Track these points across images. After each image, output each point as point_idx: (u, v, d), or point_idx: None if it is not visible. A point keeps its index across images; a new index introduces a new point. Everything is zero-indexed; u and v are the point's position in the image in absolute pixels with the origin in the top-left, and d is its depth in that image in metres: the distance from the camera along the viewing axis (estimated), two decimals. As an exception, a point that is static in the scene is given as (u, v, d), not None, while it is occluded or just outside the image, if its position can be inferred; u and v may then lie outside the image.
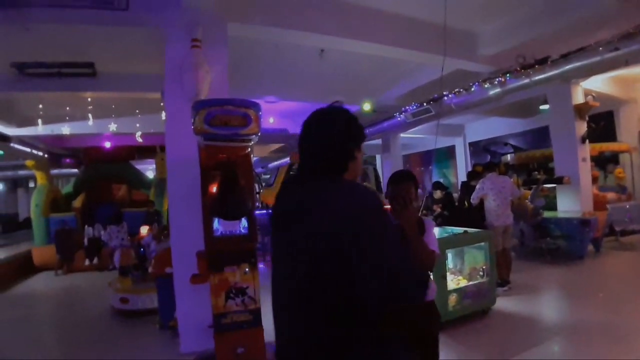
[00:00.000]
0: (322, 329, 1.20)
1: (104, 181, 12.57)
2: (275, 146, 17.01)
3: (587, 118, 8.64)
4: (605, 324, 4.38)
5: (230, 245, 3.72)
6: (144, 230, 7.02)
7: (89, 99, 8.66)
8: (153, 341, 4.88)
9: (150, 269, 5.70)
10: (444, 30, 5.00)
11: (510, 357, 3.73)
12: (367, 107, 9.27)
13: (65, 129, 9.76)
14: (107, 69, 7.29)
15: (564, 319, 4.84)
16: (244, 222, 3.73)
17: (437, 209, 7.77)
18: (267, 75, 8.38)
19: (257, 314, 3.88)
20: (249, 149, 3.02)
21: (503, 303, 5.16)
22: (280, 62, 7.65)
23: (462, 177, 14.59)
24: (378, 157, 17.76)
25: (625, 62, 5.80)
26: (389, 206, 2.03)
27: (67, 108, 9.17)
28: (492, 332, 4.44)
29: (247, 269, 3.77)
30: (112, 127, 9.63)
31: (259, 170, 22.51)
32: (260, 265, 8.43)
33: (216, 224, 3.67)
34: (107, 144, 12.60)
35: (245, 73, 7.97)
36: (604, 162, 10.44)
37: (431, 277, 2.45)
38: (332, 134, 1.39)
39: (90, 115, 8.97)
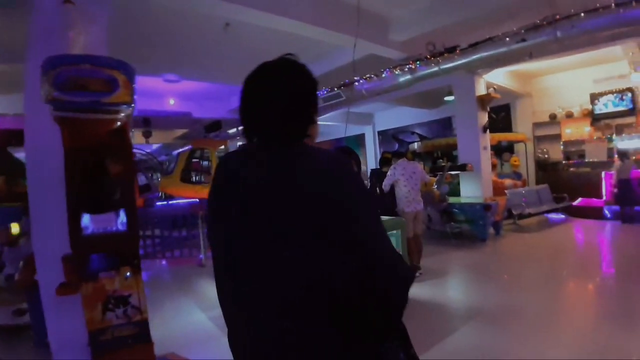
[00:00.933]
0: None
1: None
2: (180, 132, 15.83)
3: (488, 109, 8.99)
4: (514, 306, 4.46)
5: (105, 246, 3.05)
6: (15, 228, 5.86)
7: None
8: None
9: (16, 277, 4.73)
10: (357, 10, 4.69)
11: (429, 348, 3.53)
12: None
13: None
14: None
15: (475, 304, 4.82)
16: (122, 216, 3.08)
17: None
18: (166, 50, 7.49)
19: (144, 326, 3.26)
20: (119, 124, 2.33)
21: (415, 291, 4.95)
22: (180, 36, 6.86)
23: (372, 164, 14.74)
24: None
25: (530, 54, 5.96)
26: None
27: None
28: (406, 323, 4.24)
29: (128, 274, 3.13)
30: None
31: (162, 158, 20.98)
32: (163, 263, 7.72)
33: (86, 219, 2.98)
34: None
35: (138, 45, 7.04)
36: (501, 151, 11.06)
37: None
38: (297, 92, 1.16)
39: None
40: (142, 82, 9.57)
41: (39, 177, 3.47)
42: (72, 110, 2.06)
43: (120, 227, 3.09)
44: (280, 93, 1.13)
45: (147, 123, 12.24)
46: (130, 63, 7.18)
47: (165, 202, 10.62)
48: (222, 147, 8.96)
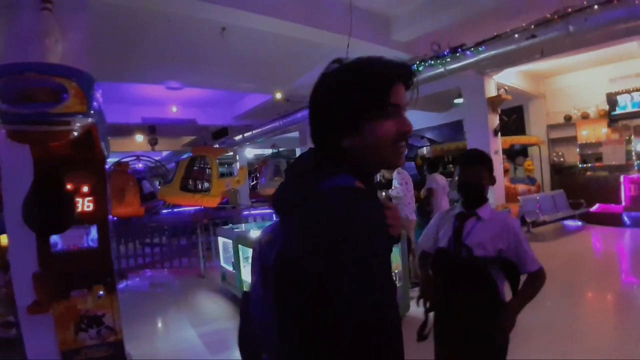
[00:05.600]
0: None
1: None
2: (188, 139, 15.80)
3: (499, 111, 8.65)
4: (529, 323, 4.01)
5: (76, 264, 2.87)
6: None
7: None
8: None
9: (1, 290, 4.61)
10: (350, 7, 4.49)
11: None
12: (278, 96, 8.60)
13: None
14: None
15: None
16: (93, 232, 2.90)
17: None
18: (166, 58, 7.36)
19: (119, 347, 3.08)
20: (75, 134, 2.11)
21: (414, 309, 4.70)
22: (178, 42, 6.71)
23: (381, 170, 14.45)
24: (298, 151, 17.12)
25: (541, 51, 5.65)
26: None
27: None
28: (407, 344, 3.95)
29: (101, 292, 2.95)
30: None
31: (171, 165, 20.98)
32: (163, 272, 7.55)
33: (55, 236, 2.81)
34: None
35: (138, 54, 6.94)
36: (514, 155, 10.67)
37: None
38: (316, 103, 0.91)
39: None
40: (145, 90, 9.56)
41: (13, 191, 3.31)
42: (19, 122, 1.87)
43: (91, 243, 2.92)
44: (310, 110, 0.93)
45: (153, 130, 12.22)
46: (131, 72, 7.04)
47: (170, 210, 10.48)
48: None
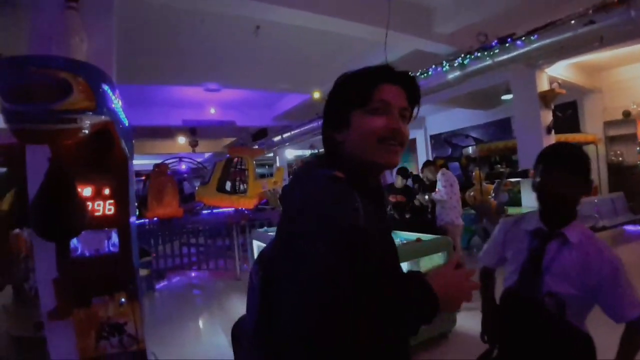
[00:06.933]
0: None
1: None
2: (229, 140, 15.91)
3: (552, 107, 8.04)
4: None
5: (96, 270, 2.75)
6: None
7: None
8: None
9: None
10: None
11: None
12: (317, 95, 8.36)
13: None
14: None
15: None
16: (114, 237, 2.77)
17: (393, 199, 6.84)
18: (202, 59, 7.31)
19: (141, 356, 2.94)
20: (85, 132, 1.93)
21: (466, 322, 4.26)
22: (212, 43, 6.64)
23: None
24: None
25: (600, 39, 5.09)
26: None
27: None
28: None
29: (122, 300, 2.82)
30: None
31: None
32: (198, 274, 7.51)
33: (75, 240, 2.69)
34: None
35: (176, 55, 6.92)
36: (568, 155, 9.91)
37: None
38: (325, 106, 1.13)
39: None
40: (185, 92, 9.63)
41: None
42: (22, 121, 1.73)
43: (112, 248, 2.78)
44: None
45: (193, 132, 12.34)
46: (169, 74, 7.02)
47: (209, 211, 10.51)
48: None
